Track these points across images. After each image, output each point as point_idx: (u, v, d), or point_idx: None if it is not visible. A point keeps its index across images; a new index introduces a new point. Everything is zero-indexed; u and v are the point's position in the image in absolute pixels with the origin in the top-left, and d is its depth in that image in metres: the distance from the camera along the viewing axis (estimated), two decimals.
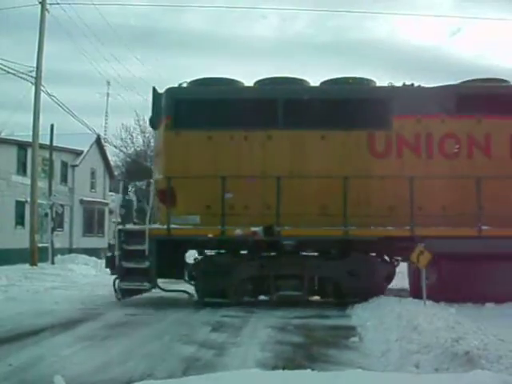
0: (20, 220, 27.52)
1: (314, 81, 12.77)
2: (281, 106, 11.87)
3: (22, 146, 27.75)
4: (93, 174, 36.09)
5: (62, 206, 25.52)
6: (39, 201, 23.46)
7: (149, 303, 11.59)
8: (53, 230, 23.81)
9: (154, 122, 12.87)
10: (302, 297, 11.41)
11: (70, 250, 29.71)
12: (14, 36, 55.35)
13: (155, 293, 12.24)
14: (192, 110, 12.06)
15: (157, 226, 11.81)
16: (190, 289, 12.12)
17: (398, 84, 12.39)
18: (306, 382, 4.44)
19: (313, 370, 5.35)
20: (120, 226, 11.92)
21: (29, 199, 23.31)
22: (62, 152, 31.11)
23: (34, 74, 21.37)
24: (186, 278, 12.10)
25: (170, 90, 12.18)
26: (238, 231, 11.20)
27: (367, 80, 12.52)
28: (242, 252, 11.95)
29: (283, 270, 11.44)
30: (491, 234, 10.96)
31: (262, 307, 10.99)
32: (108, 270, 12.38)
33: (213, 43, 63.76)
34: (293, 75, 12.54)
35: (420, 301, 9.55)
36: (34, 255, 21.39)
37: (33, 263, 21.11)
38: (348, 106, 11.88)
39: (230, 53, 67.74)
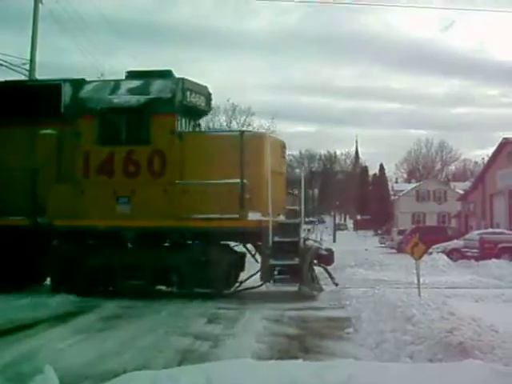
0: None
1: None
2: None
3: None
4: None
5: None
6: None
7: (144, 295, 11.58)
8: None
9: None
10: None
11: None
12: (8, 28, 55.20)
13: None
14: None
15: None
16: None
17: None
18: (298, 372, 4.44)
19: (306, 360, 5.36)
20: None
21: None
22: None
23: (27, 66, 21.24)
24: None
25: None
26: None
27: None
28: None
29: None
30: None
31: (256, 299, 11.01)
32: None
33: (205, 37, 63.53)
34: None
35: (415, 292, 9.56)
36: None
37: None
38: None
39: (220, 46, 67.54)
